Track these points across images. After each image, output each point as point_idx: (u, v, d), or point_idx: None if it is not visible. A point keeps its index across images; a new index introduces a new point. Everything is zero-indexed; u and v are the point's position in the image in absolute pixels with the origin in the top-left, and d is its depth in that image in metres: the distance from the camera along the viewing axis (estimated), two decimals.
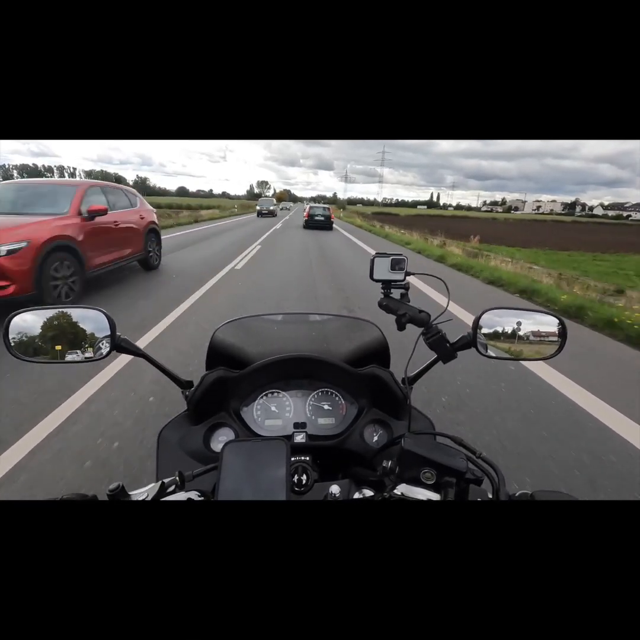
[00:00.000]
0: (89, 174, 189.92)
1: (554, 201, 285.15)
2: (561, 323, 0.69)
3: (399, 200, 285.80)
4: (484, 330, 0.67)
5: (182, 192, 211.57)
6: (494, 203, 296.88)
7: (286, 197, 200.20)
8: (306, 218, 16.93)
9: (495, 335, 0.68)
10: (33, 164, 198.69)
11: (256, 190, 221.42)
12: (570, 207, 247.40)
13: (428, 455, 0.50)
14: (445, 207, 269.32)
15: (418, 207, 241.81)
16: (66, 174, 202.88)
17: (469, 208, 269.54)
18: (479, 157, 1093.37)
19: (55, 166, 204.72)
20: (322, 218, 16.87)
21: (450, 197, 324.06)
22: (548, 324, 0.69)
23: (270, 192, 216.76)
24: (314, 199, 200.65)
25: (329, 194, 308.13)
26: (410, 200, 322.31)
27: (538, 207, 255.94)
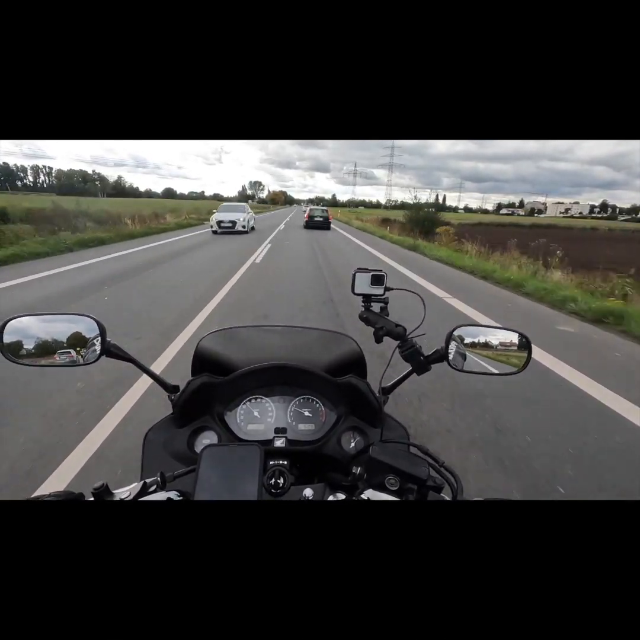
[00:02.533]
0: (67, 170, 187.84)
1: (576, 203, 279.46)
2: (527, 340, 0.80)
3: (401, 202, 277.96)
4: (454, 346, 0.79)
5: (169, 193, 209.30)
6: (511, 205, 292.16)
7: (282, 199, 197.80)
8: (306, 219, 20.46)
9: (466, 349, 0.79)
10: (3, 163, 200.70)
11: (248, 192, 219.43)
12: (601, 209, 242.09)
13: (392, 463, 0.58)
14: (454, 209, 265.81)
15: (425, 209, 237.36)
16: (42, 174, 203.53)
17: (486, 211, 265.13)
18: (476, 160, 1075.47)
19: (29, 166, 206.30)
20: (321, 219, 20.34)
21: (459, 200, 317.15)
22: (514, 340, 0.81)
23: (264, 194, 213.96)
24: (312, 201, 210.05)
25: (328, 196, 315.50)
26: (412, 202, 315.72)
27: (567, 210, 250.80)
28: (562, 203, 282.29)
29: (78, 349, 0.70)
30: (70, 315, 0.71)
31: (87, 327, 0.71)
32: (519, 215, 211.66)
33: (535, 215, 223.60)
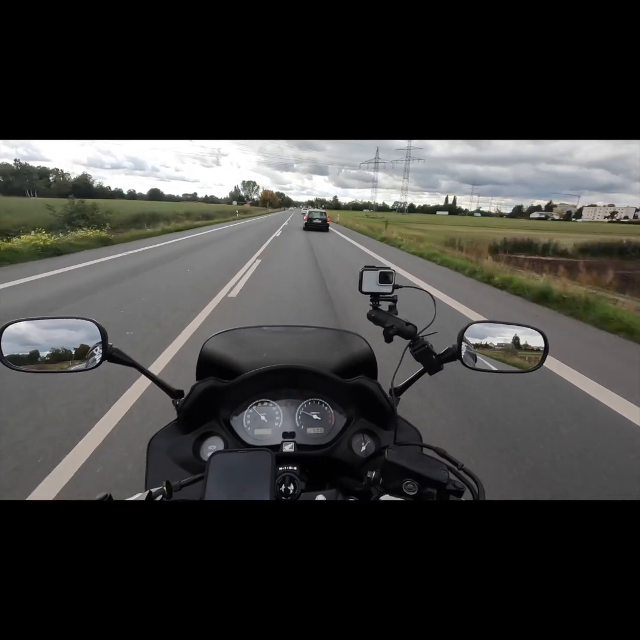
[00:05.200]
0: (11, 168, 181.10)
1: (611, 205, 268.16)
2: (543, 337, 0.84)
3: (405, 204, 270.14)
4: (467, 345, 0.82)
5: (155, 195, 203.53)
6: (536, 208, 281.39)
7: (277, 201, 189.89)
8: (306, 221, 22.79)
9: (479, 348, 0.83)
10: None
11: (242, 193, 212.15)
12: None
13: (410, 467, 0.60)
14: (466, 212, 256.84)
15: (438, 213, 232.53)
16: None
17: (511, 215, 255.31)
18: (474, 162, 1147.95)
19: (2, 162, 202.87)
20: (319, 221, 22.51)
21: (472, 202, 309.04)
22: (530, 337, 0.84)
23: (259, 194, 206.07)
24: (312, 203, 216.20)
25: (329, 199, 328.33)
26: (418, 205, 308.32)
27: (612, 214, 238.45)
28: (596, 205, 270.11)
29: (79, 353, 0.72)
30: (71, 319, 0.73)
31: (87, 331, 0.72)
32: (553, 219, 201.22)
33: (573, 219, 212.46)
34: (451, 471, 0.62)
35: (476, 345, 0.81)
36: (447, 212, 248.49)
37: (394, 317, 0.83)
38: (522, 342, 0.83)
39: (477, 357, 0.81)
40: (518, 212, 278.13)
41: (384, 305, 0.86)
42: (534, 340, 0.83)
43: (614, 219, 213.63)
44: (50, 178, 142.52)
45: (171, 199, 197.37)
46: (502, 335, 0.82)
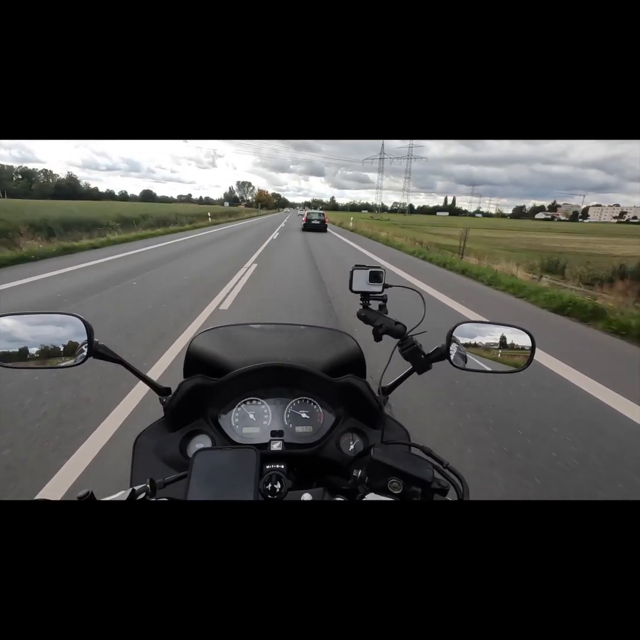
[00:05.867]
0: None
1: (617, 205, 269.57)
2: (530, 337, 0.86)
3: (405, 205, 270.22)
4: (456, 344, 0.85)
5: (148, 196, 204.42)
6: (539, 208, 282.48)
7: (271, 202, 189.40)
8: (304, 222, 24.18)
9: (468, 347, 0.85)
10: None
11: (237, 193, 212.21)
12: None
13: (395, 465, 0.62)
14: (470, 214, 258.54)
15: (438, 213, 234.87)
16: None
17: (513, 216, 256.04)
18: (469, 163, 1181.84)
19: None
20: (318, 222, 23.91)
21: (472, 203, 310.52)
22: (518, 337, 0.87)
23: (252, 196, 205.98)
24: (309, 204, 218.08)
25: (326, 199, 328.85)
26: (417, 205, 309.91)
27: (622, 214, 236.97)
28: (601, 206, 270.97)
29: (65, 349, 0.73)
30: (56, 314, 0.75)
31: (73, 327, 0.74)
32: (559, 220, 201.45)
33: (580, 220, 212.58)
34: (436, 469, 0.64)
35: (465, 345, 0.83)
36: (447, 213, 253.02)
37: (383, 317, 0.85)
38: (509, 342, 0.85)
39: (466, 356, 0.83)
40: (520, 212, 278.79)
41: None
42: (521, 339, 0.85)
43: (622, 220, 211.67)
44: (36, 179, 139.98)
45: (165, 200, 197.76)
46: (490, 335, 0.85)
